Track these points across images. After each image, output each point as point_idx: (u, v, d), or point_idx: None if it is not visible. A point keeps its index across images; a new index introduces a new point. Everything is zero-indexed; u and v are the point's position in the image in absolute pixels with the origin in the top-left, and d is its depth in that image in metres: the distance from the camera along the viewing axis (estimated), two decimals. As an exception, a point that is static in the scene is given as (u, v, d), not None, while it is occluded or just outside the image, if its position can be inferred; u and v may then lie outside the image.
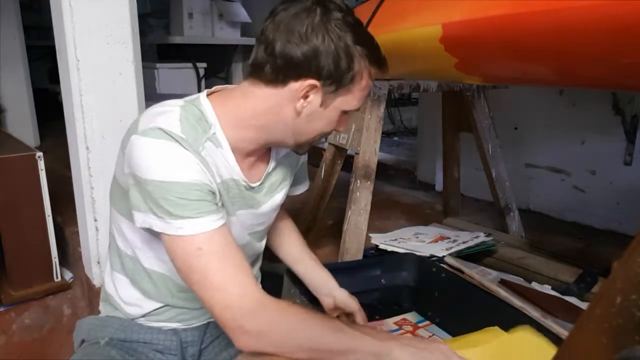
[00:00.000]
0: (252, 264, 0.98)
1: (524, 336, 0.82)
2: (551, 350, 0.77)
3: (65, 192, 1.44)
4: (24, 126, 2.91)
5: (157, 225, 0.72)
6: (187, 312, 0.90)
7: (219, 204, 0.78)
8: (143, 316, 0.88)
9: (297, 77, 0.73)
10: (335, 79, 0.74)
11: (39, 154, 1.35)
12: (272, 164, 0.89)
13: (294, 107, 0.76)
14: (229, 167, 0.80)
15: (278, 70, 0.74)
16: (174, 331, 0.90)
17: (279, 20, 0.73)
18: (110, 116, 1.27)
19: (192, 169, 0.72)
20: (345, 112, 0.80)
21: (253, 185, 0.85)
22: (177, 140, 0.71)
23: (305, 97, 0.75)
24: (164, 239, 0.73)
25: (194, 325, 0.92)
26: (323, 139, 0.89)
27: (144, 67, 1.35)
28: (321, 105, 0.76)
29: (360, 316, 0.96)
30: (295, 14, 0.72)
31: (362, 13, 1.32)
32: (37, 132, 3.02)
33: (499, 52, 0.97)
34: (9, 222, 1.35)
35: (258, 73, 0.76)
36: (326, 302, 0.98)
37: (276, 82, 0.75)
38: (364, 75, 0.77)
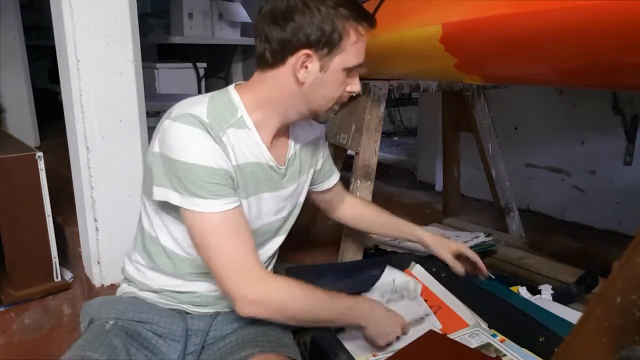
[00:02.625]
0: (270, 258, 1.02)
1: None
2: None
3: (65, 192, 1.44)
4: (24, 126, 2.91)
5: (176, 199, 0.82)
6: (200, 296, 0.92)
7: (235, 188, 0.86)
8: (157, 291, 0.92)
9: (292, 52, 0.84)
10: (324, 43, 0.83)
11: (39, 154, 1.35)
12: (291, 151, 0.98)
13: (298, 79, 0.85)
14: (256, 146, 0.89)
15: (275, 53, 0.85)
16: (182, 316, 0.91)
17: (264, 11, 0.85)
18: (110, 116, 1.27)
19: (213, 154, 0.81)
20: (349, 70, 0.88)
21: (280, 167, 0.94)
22: (202, 125, 0.81)
23: (304, 67, 0.84)
24: (183, 213, 0.83)
25: (202, 312, 0.93)
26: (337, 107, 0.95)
27: (144, 67, 1.35)
28: (321, 70, 0.85)
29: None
30: (274, 2, 0.84)
31: (362, 13, 1.32)
32: (37, 132, 3.02)
33: (499, 52, 0.97)
34: (9, 222, 1.35)
35: (262, 62, 0.87)
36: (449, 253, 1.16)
37: (277, 63, 0.85)
38: (350, 33, 0.85)
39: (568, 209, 2.06)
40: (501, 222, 1.80)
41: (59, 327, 1.43)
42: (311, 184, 1.10)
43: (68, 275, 1.52)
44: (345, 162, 1.63)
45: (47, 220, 1.39)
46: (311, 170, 1.07)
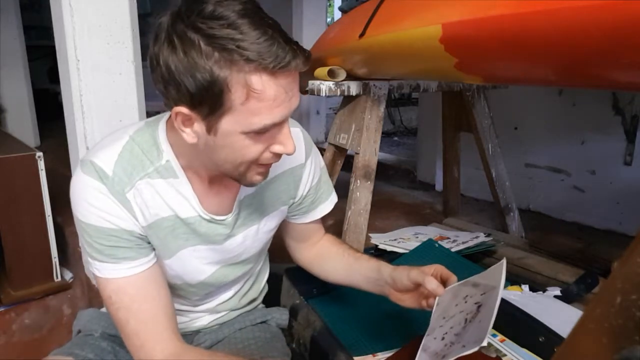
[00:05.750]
0: (250, 278, 0.96)
1: None
2: None
3: (65, 192, 1.43)
4: (24, 126, 2.91)
5: (88, 260, 0.73)
6: (178, 313, 0.89)
7: (146, 245, 0.74)
8: None
9: (169, 105, 0.64)
10: (198, 100, 0.60)
11: (39, 154, 1.35)
12: (245, 191, 0.79)
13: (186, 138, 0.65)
14: (181, 198, 0.74)
15: (164, 98, 0.65)
16: None
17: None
18: (110, 116, 1.27)
19: (109, 214, 0.69)
20: (258, 133, 0.62)
21: (219, 218, 0.77)
22: (101, 179, 0.69)
23: (187, 125, 0.64)
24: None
25: (182, 328, 0.90)
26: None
27: (144, 67, 1.35)
28: (208, 132, 0.63)
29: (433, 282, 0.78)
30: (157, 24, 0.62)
31: (362, 13, 1.32)
32: (37, 132, 3.03)
33: (499, 52, 0.96)
34: (9, 222, 1.35)
35: None
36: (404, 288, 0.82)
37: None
38: (235, 86, 0.58)
39: (568, 209, 2.05)
40: (501, 222, 1.80)
41: (59, 327, 1.43)
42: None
43: (68, 275, 1.52)
44: (345, 162, 1.62)
45: (47, 220, 1.39)
46: (284, 207, 0.88)
